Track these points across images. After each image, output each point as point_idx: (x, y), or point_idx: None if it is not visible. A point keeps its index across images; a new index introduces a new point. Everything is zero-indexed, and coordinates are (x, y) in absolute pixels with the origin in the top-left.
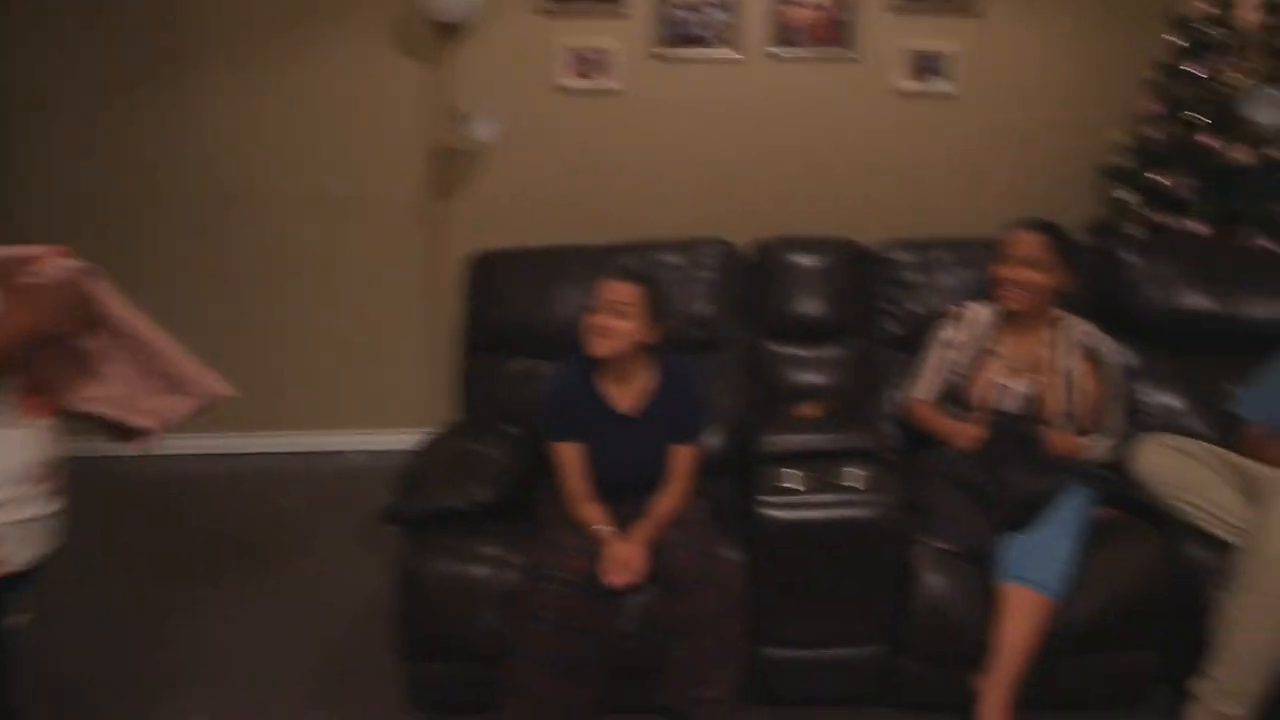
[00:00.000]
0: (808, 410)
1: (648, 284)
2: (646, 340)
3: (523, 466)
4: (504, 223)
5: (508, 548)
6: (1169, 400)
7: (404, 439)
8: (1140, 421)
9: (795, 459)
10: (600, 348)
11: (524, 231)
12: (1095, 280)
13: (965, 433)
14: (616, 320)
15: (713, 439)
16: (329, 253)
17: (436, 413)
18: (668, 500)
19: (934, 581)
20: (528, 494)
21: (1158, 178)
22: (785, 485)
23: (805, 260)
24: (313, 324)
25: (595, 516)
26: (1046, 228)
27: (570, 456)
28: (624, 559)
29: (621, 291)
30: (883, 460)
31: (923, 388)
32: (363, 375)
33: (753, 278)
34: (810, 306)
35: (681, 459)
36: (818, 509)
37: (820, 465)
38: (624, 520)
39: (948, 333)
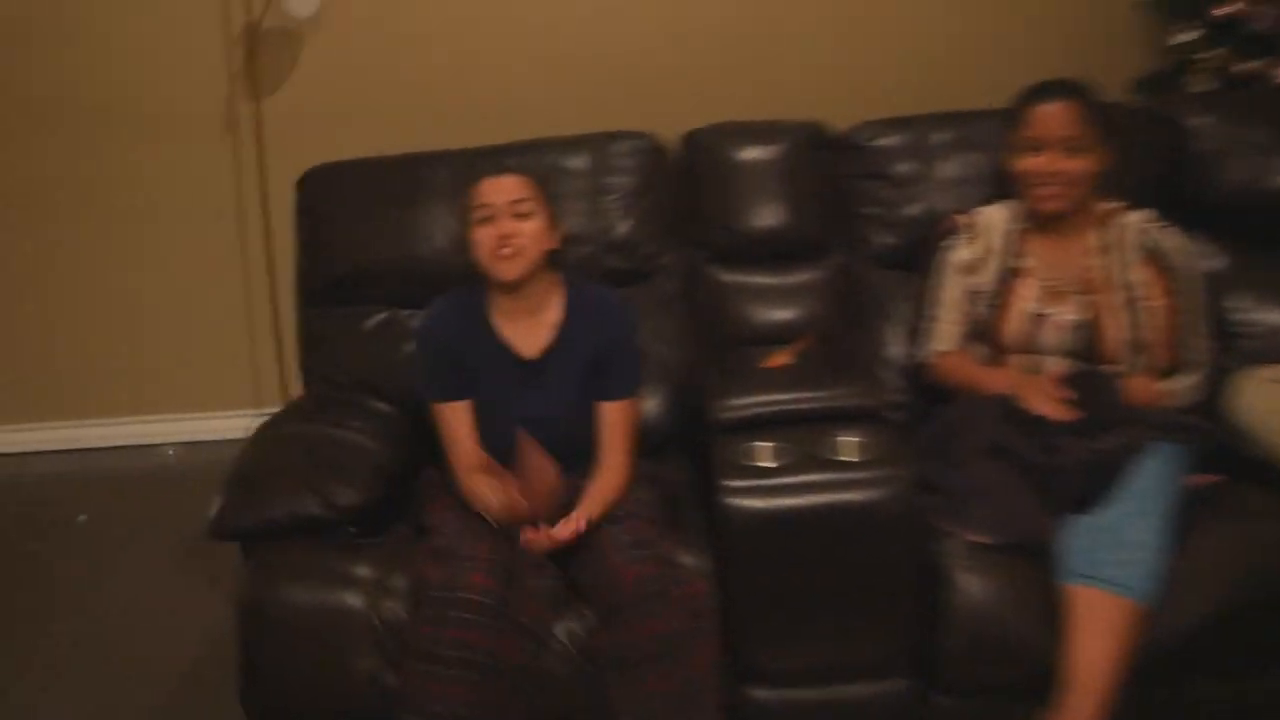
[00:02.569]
0: (782, 359)
1: (532, 175)
2: (550, 249)
3: (397, 455)
4: (337, 127)
5: (386, 566)
6: (1272, 315)
7: (231, 424)
8: (1234, 348)
9: (769, 426)
10: (514, 266)
11: (364, 138)
12: (1148, 157)
13: (1040, 393)
14: (519, 223)
15: (651, 403)
16: (108, 181)
17: (269, 388)
18: (606, 476)
19: (972, 587)
20: (407, 492)
21: (1228, 8)
22: (757, 463)
23: (753, 153)
24: (95, 278)
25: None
26: (1074, 91)
27: (458, 421)
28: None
29: (509, 187)
30: (888, 422)
31: (944, 335)
32: (168, 342)
33: (687, 182)
34: (766, 216)
35: (614, 420)
36: (803, 493)
37: (803, 433)
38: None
39: (961, 253)
